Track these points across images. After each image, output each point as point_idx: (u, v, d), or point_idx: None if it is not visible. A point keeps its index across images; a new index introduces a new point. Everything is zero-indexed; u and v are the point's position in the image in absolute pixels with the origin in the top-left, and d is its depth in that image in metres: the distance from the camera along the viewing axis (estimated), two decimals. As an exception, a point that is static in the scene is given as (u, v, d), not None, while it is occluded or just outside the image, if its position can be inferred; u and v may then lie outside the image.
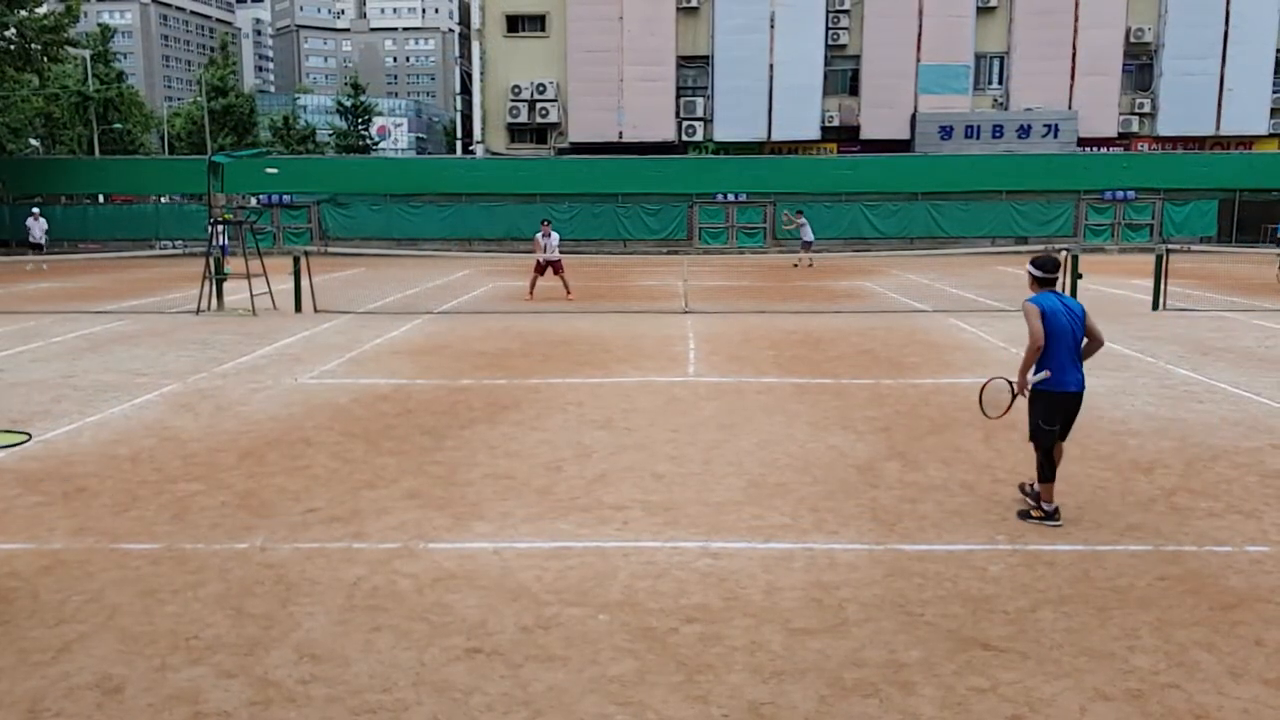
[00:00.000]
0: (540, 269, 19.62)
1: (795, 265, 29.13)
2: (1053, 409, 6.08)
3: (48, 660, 4.45)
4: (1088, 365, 6.26)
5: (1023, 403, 6.27)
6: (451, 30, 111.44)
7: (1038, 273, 6.23)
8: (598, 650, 4.53)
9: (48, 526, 6.22)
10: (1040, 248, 28.86)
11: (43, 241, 30.31)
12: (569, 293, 19.29)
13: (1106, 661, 4.40)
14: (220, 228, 18.02)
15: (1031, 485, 6.41)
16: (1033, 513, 6.21)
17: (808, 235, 28.87)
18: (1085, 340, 6.15)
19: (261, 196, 37.66)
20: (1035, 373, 6.09)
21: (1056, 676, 4.26)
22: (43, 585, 5.29)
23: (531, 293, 19.62)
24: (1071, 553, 5.70)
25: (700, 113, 42.65)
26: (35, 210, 31.07)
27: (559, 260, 19.50)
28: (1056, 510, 6.15)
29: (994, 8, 41.59)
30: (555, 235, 19.78)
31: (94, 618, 4.88)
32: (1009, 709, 4.00)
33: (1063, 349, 6.03)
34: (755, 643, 4.60)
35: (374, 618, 4.87)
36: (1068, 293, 16.56)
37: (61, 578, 5.38)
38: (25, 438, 6.26)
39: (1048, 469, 6.13)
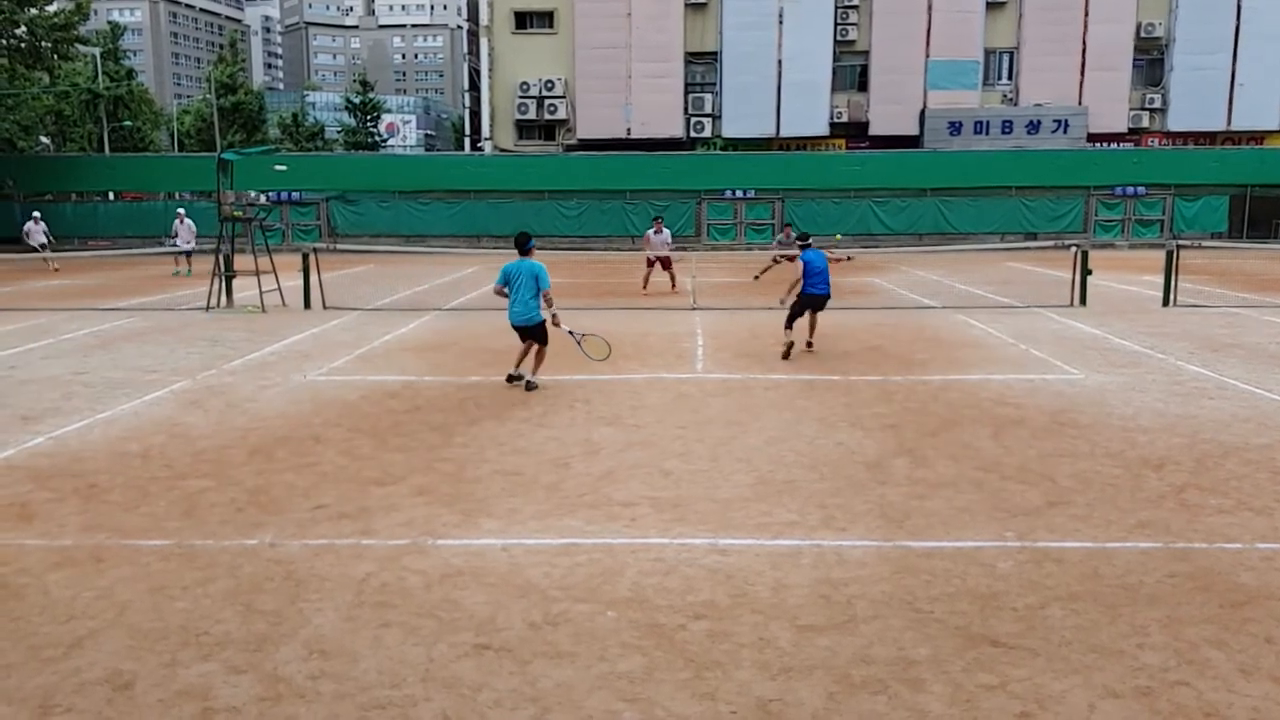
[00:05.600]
0: (651, 263, 20.42)
1: (757, 278, 22.97)
2: (804, 304, 12.16)
3: (59, 656, 4.47)
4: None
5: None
6: (460, 27, 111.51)
7: (801, 243, 12.55)
8: (606, 647, 4.54)
9: (58, 523, 6.26)
10: (1049, 245, 29.00)
11: (47, 241, 30.51)
12: (674, 286, 20.03)
13: (1116, 659, 4.39)
14: (229, 225, 18.06)
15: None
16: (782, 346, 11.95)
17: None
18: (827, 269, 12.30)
19: (270, 194, 37.77)
20: (790, 293, 12.26)
21: (1065, 674, 4.25)
22: (53, 581, 5.32)
23: (645, 286, 20.13)
24: (1081, 550, 5.69)
25: (708, 109, 42.59)
26: (36, 214, 31.10)
27: (667, 256, 20.31)
28: (790, 347, 11.91)
29: (1003, 3, 41.41)
30: (666, 231, 20.62)
31: (104, 614, 4.91)
32: (1018, 706, 3.99)
33: (821, 281, 12.12)
34: (763, 639, 4.60)
35: (383, 614, 4.89)
36: (1074, 291, 16.83)
37: (72, 574, 5.41)
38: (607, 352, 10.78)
39: (791, 322, 12.09)
